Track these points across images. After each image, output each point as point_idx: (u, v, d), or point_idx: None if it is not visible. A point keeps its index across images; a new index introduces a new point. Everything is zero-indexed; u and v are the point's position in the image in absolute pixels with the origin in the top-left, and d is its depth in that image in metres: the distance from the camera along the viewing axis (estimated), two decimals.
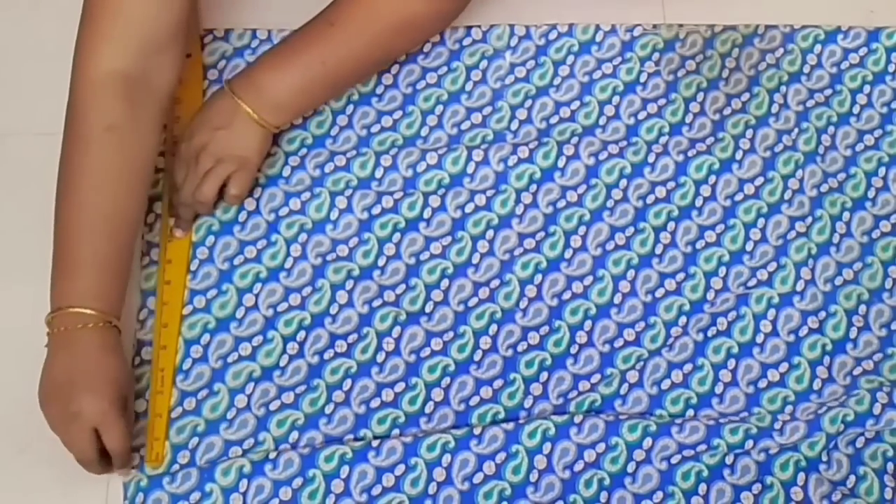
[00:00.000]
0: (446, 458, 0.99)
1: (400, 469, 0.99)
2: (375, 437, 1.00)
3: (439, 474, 0.99)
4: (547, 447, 1.00)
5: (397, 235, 1.08)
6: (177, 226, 1.06)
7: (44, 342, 1.01)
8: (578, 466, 0.99)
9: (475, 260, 1.07)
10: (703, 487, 0.99)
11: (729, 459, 1.00)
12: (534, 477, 0.99)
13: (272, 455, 0.99)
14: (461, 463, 0.99)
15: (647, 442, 1.00)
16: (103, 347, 0.95)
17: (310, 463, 0.98)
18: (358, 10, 1.04)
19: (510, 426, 1.00)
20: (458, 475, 0.99)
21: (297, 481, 0.98)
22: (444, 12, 1.09)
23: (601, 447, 1.00)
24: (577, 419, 1.00)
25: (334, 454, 0.99)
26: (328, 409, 1.01)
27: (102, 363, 0.94)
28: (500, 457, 0.99)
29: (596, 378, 1.03)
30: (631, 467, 0.99)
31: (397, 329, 1.04)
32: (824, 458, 1.00)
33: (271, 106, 1.04)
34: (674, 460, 1.00)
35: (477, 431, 1.00)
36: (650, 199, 1.10)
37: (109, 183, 0.97)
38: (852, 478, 1.00)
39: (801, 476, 0.99)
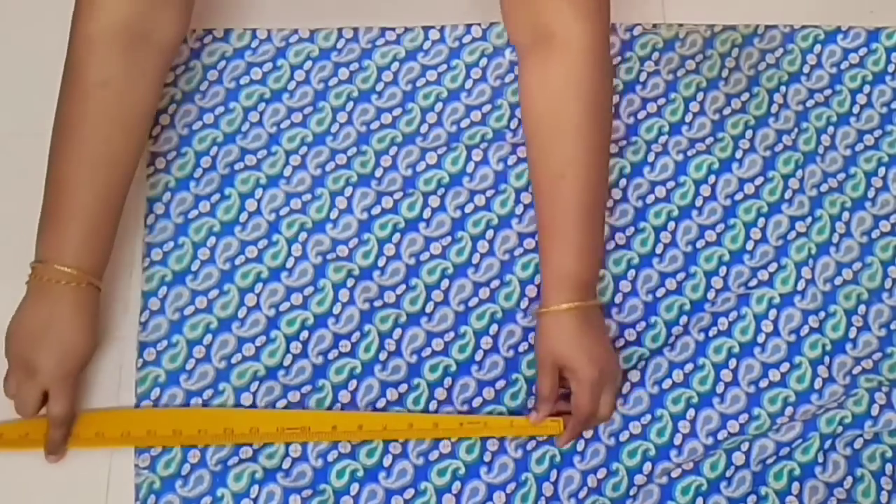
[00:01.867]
0: (457, 486, 1.00)
1: (409, 493, 0.99)
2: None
3: (448, 500, 0.99)
4: (553, 475, 1.00)
5: (397, 236, 1.08)
6: None
7: None
8: (583, 493, 1.00)
9: (475, 260, 1.07)
10: (700, 501, 0.99)
11: (728, 473, 1.00)
12: None
13: (286, 465, 0.99)
14: (471, 491, 1.00)
15: (647, 467, 1.01)
16: (79, 310, 0.95)
17: (321, 477, 0.99)
18: (564, 142, 0.98)
19: (519, 454, 1.01)
20: (467, 503, 0.99)
21: (307, 492, 0.98)
22: (600, 50, 0.99)
23: (602, 472, 1.00)
24: (580, 447, 1.01)
25: (345, 470, 0.99)
26: (335, 411, 1.01)
27: (74, 328, 0.95)
28: (511, 487, 1.00)
29: None
30: (633, 491, 1.00)
31: (398, 331, 1.04)
32: (820, 460, 1.00)
33: (594, 287, 1.02)
34: (674, 474, 1.00)
35: (487, 458, 1.00)
36: (650, 198, 1.10)
37: (103, 136, 0.96)
38: (849, 479, 1.00)
39: (796, 485, 1.00)
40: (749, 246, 1.08)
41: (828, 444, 1.01)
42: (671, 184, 1.11)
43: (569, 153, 0.98)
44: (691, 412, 1.03)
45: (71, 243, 0.96)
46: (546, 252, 1.00)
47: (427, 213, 1.09)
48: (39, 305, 0.96)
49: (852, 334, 1.06)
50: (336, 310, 1.04)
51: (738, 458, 1.01)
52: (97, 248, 0.97)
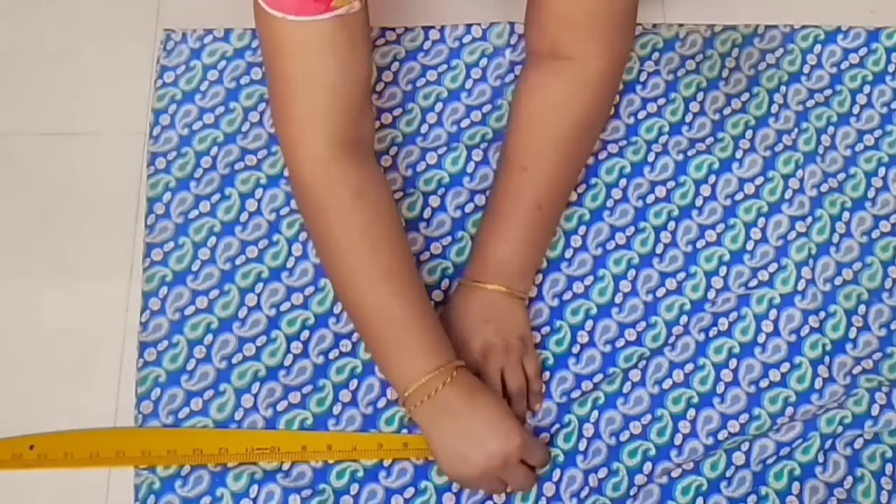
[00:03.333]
0: (456, 485, 0.99)
1: (409, 492, 0.99)
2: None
3: (448, 499, 0.99)
4: (556, 474, 1.00)
5: None
6: None
7: (45, 340, 1.01)
8: (584, 493, 1.00)
9: None
10: (700, 501, 0.99)
11: (729, 472, 1.00)
12: None
13: (285, 465, 0.99)
14: (472, 489, 1.00)
15: (648, 466, 1.01)
16: (470, 399, 0.93)
17: (321, 477, 0.99)
18: (540, 141, 1.01)
19: None
20: (467, 502, 0.99)
21: (307, 492, 0.98)
22: (609, 87, 1.03)
23: (603, 472, 1.00)
24: (582, 446, 1.01)
25: (345, 470, 0.99)
26: (336, 410, 1.01)
27: (478, 419, 0.93)
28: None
29: (598, 378, 1.03)
30: (633, 491, 1.00)
31: None
32: (820, 460, 1.00)
33: (517, 274, 1.01)
34: (674, 474, 1.00)
35: None
36: (650, 198, 1.10)
37: (385, 246, 0.95)
38: (849, 479, 1.00)
39: (796, 485, 1.00)
40: (749, 246, 1.08)
41: (828, 444, 1.01)
42: (671, 184, 1.11)
43: (538, 150, 1.01)
44: (692, 412, 1.03)
45: (419, 352, 0.94)
46: (480, 233, 1.03)
47: (427, 213, 1.09)
48: (439, 431, 0.94)
49: (852, 334, 1.06)
50: (336, 309, 1.04)
51: (739, 457, 1.01)
52: (440, 338, 0.95)
